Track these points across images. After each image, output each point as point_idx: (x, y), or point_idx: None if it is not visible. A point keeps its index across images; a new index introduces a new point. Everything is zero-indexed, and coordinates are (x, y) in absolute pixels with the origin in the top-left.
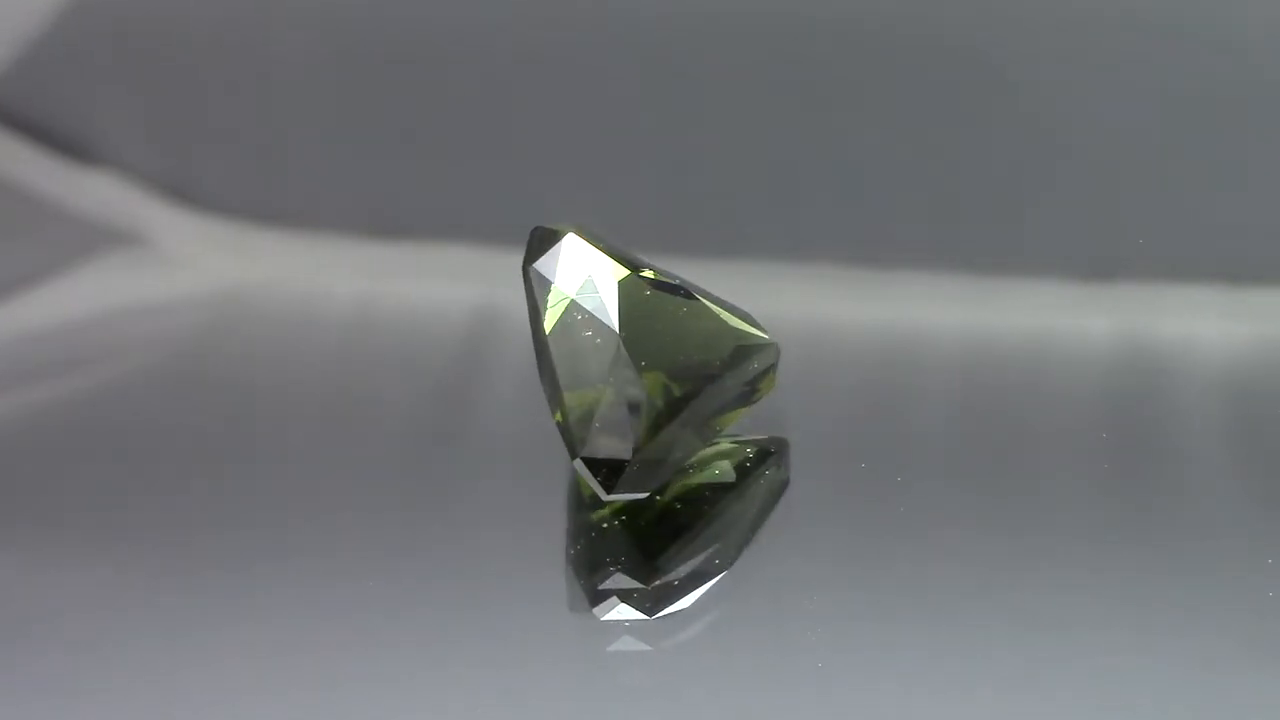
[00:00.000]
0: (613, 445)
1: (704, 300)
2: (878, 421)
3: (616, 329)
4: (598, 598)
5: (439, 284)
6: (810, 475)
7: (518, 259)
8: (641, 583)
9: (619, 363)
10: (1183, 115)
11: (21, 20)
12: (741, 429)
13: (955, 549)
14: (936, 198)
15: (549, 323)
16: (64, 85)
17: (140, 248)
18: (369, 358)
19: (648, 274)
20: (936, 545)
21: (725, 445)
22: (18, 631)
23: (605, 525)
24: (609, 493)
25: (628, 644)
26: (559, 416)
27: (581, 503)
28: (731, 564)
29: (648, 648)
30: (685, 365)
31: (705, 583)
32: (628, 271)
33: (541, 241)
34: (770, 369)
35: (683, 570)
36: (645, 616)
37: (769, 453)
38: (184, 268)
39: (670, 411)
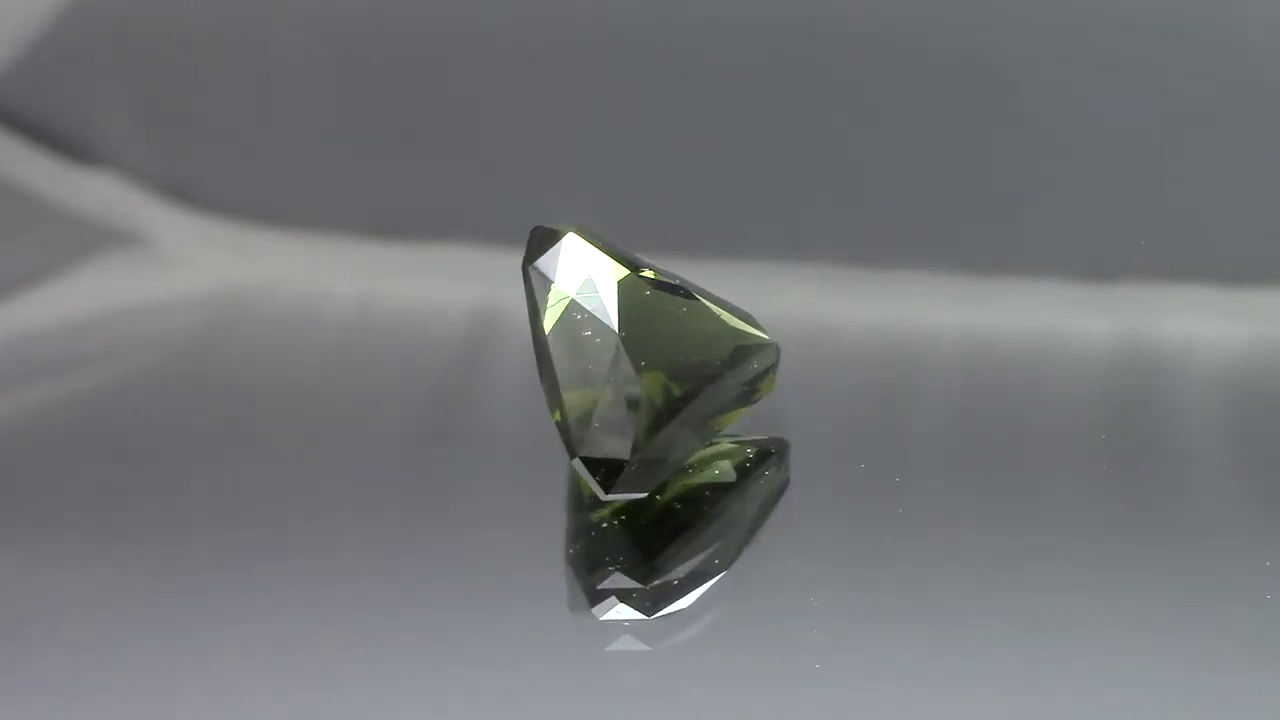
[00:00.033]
0: (612, 445)
1: (704, 300)
2: (878, 422)
3: (616, 329)
4: (597, 597)
5: (439, 284)
6: (810, 475)
7: (518, 259)
8: (640, 583)
9: (618, 362)
10: (1183, 115)
11: (21, 20)
12: (741, 429)
13: (955, 549)
14: (936, 198)
15: (549, 322)
16: (64, 85)
17: (140, 248)
18: (369, 358)
19: (648, 274)
20: (936, 545)
21: (725, 445)
22: (18, 631)
23: (605, 525)
24: (608, 492)
25: (627, 644)
26: (558, 416)
27: (581, 503)
28: (731, 564)
29: (647, 648)
30: (685, 365)
31: (704, 583)
32: (628, 271)
33: (541, 241)
34: (770, 369)
35: (682, 570)
36: (644, 616)
37: (769, 453)
38: (184, 268)
39: (670, 411)
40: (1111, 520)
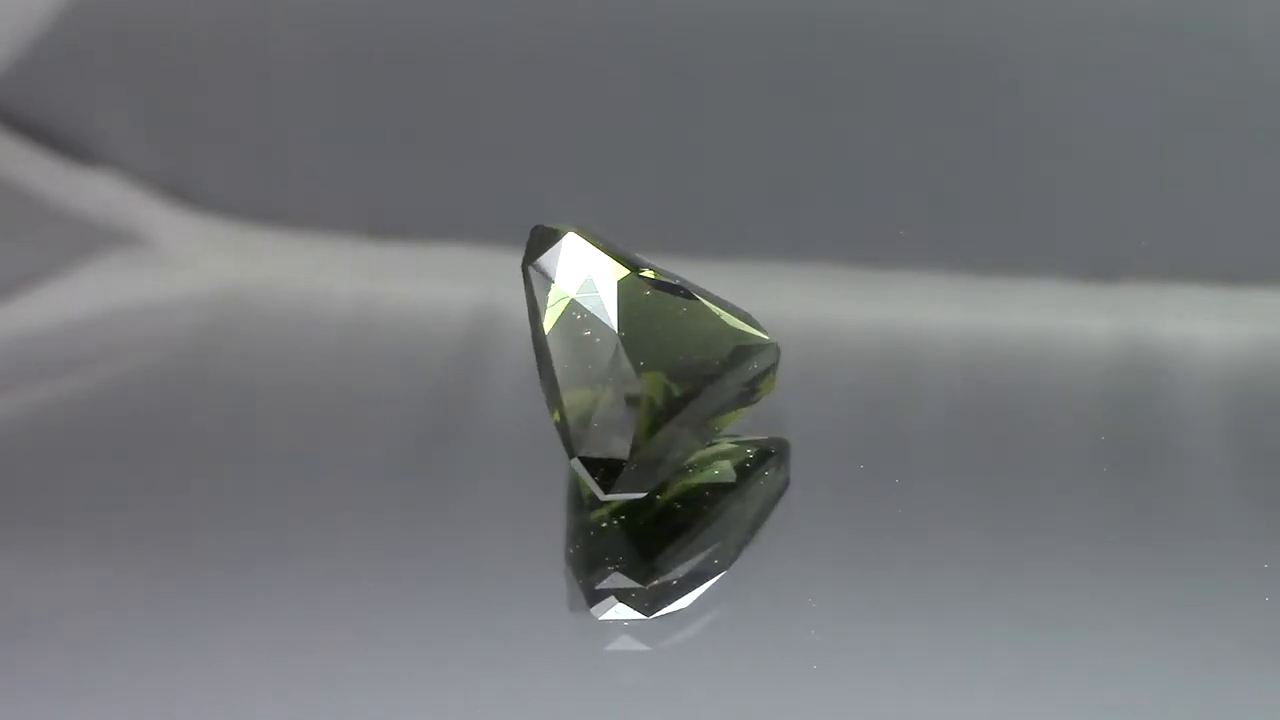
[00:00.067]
0: (611, 445)
1: (704, 300)
2: (878, 422)
3: (616, 329)
4: (596, 597)
5: (439, 284)
6: (810, 475)
7: (518, 259)
8: (639, 582)
9: (618, 362)
10: (1183, 115)
11: (21, 20)
12: (742, 429)
13: (955, 549)
14: (936, 198)
15: (548, 322)
16: (64, 85)
17: (140, 248)
18: (369, 358)
19: (648, 274)
20: (936, 545)
21: (725, 445)
22: (18, 631)
23: (604, 525)
24: (606, 492)
25: (626, 644)
26: (557, 416)
27: (581, 502)
28: (730, 564)
29: (646, 648)
30: (685, 365)
31: (704, 583)
32: (627, 271)
33: (541, 241)
34: (770, 369)
35: (681, 570)
36: (643, 616)
37: (769, 453)
38: (184, 268)
39: (669, 411)
40: (1111, 520)
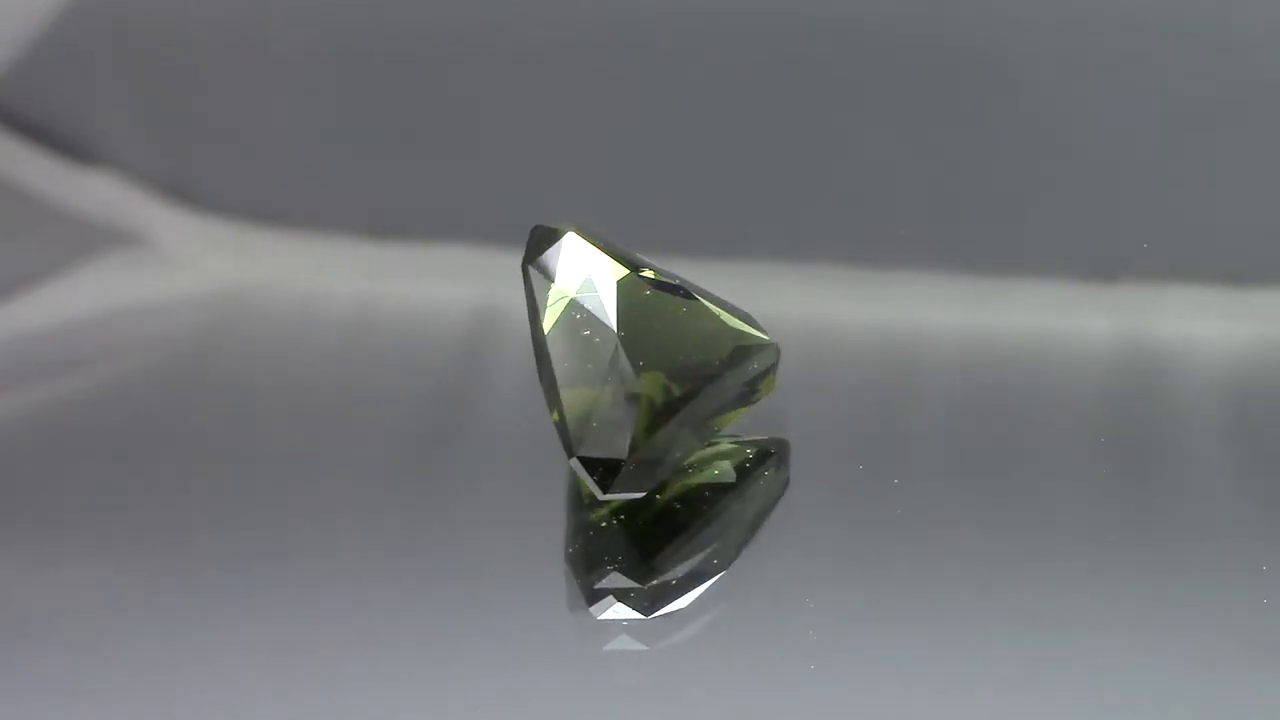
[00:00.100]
0: (609, 445)
1: (703, 300)
2: (878, 422)
3: (615, 328)
4: (595, 597)
5: (439, 284)
6: (810, 475)
7: (518, 259)
8: (638, 582)
9: (617, 362)
10: (1183, 115)
11: (21, 20)
12: (742, 429)
13: (955, 549)
14: (936, 198)
15: (548, 321)
16: (64, 85)
17: (140, 248)
18: (369, 358)
19: (647, 274)
20: (936, 545)
21: (726, 446)
22: (18, 631)
23: (603, 525)
24: (605, 492)
25: (624, 643)
26: (557, 415)
27: (580, 502)
28: (730, 564)
29: (644, 647)
30: (684, 365)
31: (703, 583)
32: (627, 271)
33: (541, 240)
34: (770, 369)
35: (680, 570)
36: (642, 616)
37: (769, 453)
38: (184, 268)
39: (668, 411)
40: (1111, 520)
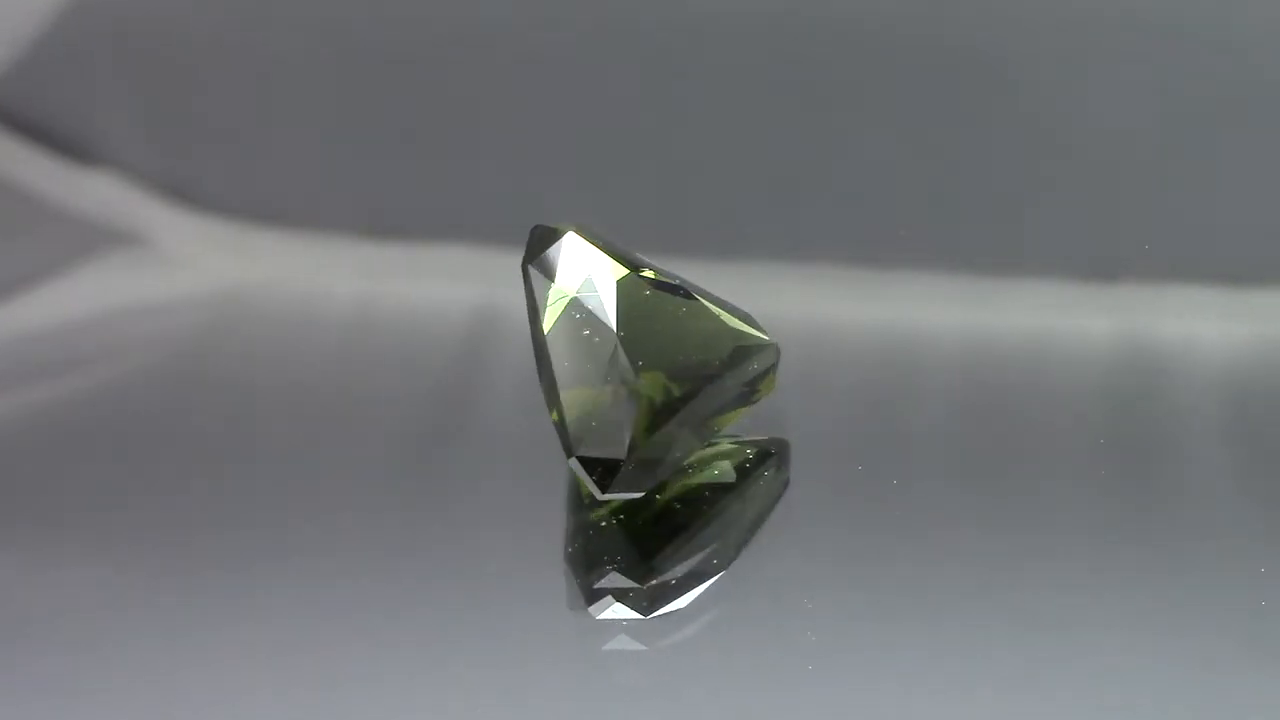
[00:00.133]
0: (608, 444)
1: (703, 300)
2: (878, 422)
3: (615, 328)
4: (594, 596)
5: (439, 284)
6: (810, 475)
7: (518, 259)
8: (638, 582)
9: (616, 362)
10: (1183, 115)
11: (21, 20)
12: (742, 429)
13: (955, 549)
14: (936, 198)
15: (548, 321)
16: (64, 85)
17: (140, 248)
18: (369, 358)
19: (647, 273)
20: (936, 545)
21: (726, 446)
22: (18, 631)
23: (603, 524)
24: (604, 492)
25: (623, 643)
26: (556, 415)
27: (581, 502)
28: (729, 564)
29: (643, 647)
30: (684, 365)
31: (702, 583)
32: (627, 271)
33: (541, 240)
34: (770, 370)
35: (680, 570)
36: (640, 616)
37: (769, 453)
38: (184, 268)
39: (668, 411)
40: (1111, 520)
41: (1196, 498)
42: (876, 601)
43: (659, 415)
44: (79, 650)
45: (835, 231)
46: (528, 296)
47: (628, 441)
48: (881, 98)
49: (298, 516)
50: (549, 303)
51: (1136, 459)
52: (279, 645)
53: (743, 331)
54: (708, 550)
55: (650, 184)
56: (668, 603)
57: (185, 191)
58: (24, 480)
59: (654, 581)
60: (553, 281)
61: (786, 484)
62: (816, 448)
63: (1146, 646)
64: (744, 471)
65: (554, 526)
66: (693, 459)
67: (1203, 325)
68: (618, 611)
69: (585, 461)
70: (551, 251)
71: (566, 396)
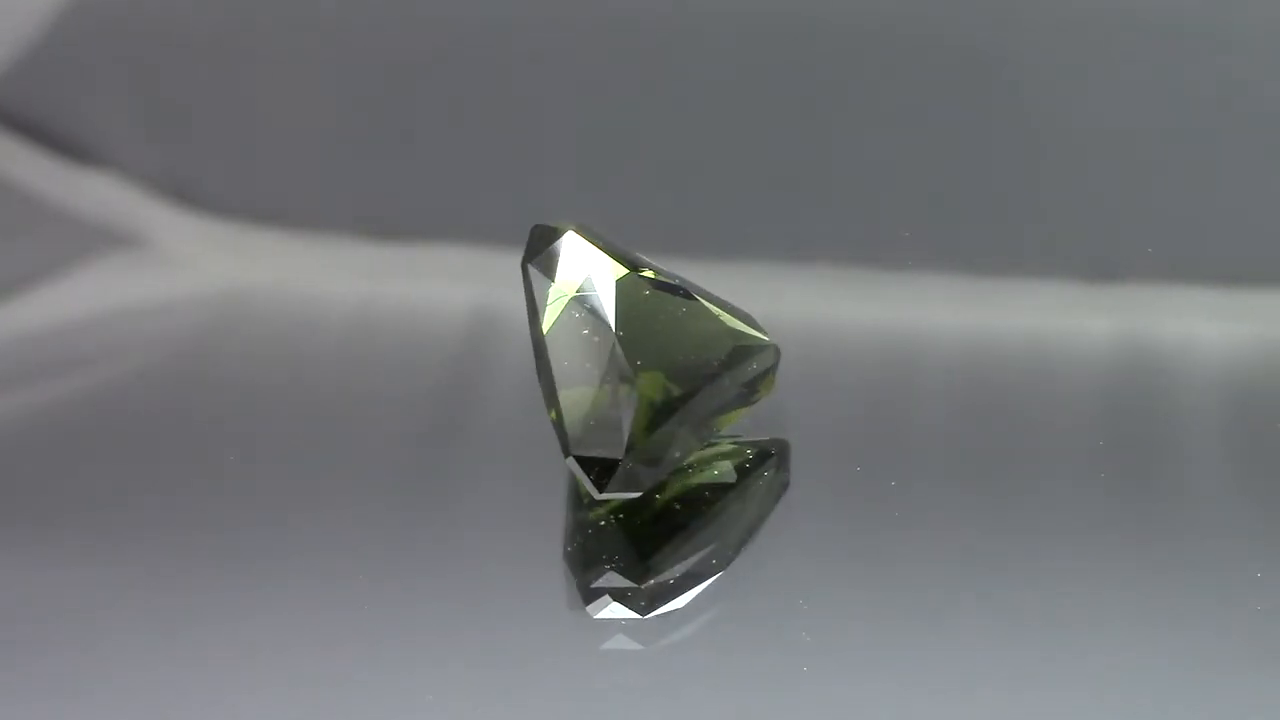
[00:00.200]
0: (605, 444)
1: (703, 300)
2: (878, 422)
3: (614, 328)
4: (591, 596)
5: (439, 284)
6: (810, 475)
7: (517, 259)
8: (635, 582)
9: (615, 361)
10: (1183, 115)
11: (21, 20)
12: (742, 430)
13: (955, 549)
14: (936, 198)
15: (547, 320)
16: (64, 85)
17: (140, 248)
18: (369, 358)
19: (647, 273)
20: (936, 545)
21: (726, 446)
22: (18, 631)
23: (602, 524)
24: (601, 491)
25: (621, 643)
26: (554, 414)
27: (579, 501)
28: (728, 564)
29: (640, 647)
30: (683, 365)
31: (700, 583)
32: (626, 270)
33: (541, 239)
34: (770, 370)
35: (678, 570)
36: (638, 616)
37: (769, 453)
38: (184, 268)
39: (667, 411)
40: (1111, 520)
41: (1196, 498)
42: (875, 601)
43: (658, 415)
44: (79, 650)
45: (835, 232)
46: (527, 296)
47: (625, 441)
48: (882, 98)
49: (298, 516)
50: (548, 302)
51: (1136, 459)
52: (279, 645)
53: (742, 332)
54: (706, 550)
55: (650, 184)
56: (666, 602)
57: (185, 191)
58: (24, 480)
59: (652, 581)
60: (552, 281)
61: (786, 484)
62: (816, 448)
63: (1146, 646)
64: (744, 471)
65: (553, 526)
66: (692, 459)
67: (1203, 325)
68: (615, 611)
69: (583, 460)
70: (551, 251)
71: (565, 396)
